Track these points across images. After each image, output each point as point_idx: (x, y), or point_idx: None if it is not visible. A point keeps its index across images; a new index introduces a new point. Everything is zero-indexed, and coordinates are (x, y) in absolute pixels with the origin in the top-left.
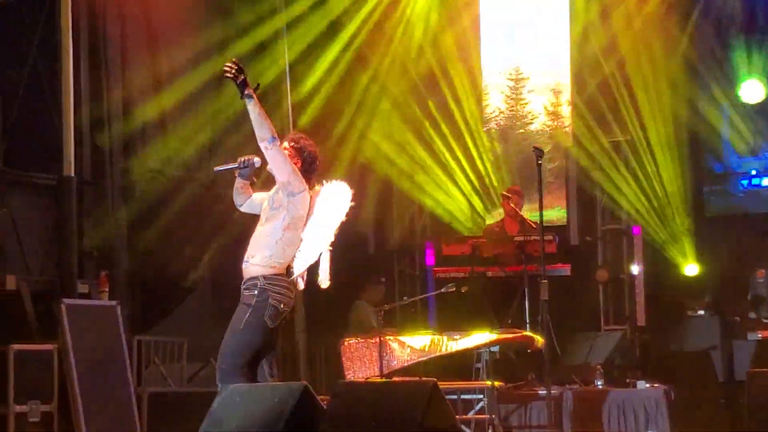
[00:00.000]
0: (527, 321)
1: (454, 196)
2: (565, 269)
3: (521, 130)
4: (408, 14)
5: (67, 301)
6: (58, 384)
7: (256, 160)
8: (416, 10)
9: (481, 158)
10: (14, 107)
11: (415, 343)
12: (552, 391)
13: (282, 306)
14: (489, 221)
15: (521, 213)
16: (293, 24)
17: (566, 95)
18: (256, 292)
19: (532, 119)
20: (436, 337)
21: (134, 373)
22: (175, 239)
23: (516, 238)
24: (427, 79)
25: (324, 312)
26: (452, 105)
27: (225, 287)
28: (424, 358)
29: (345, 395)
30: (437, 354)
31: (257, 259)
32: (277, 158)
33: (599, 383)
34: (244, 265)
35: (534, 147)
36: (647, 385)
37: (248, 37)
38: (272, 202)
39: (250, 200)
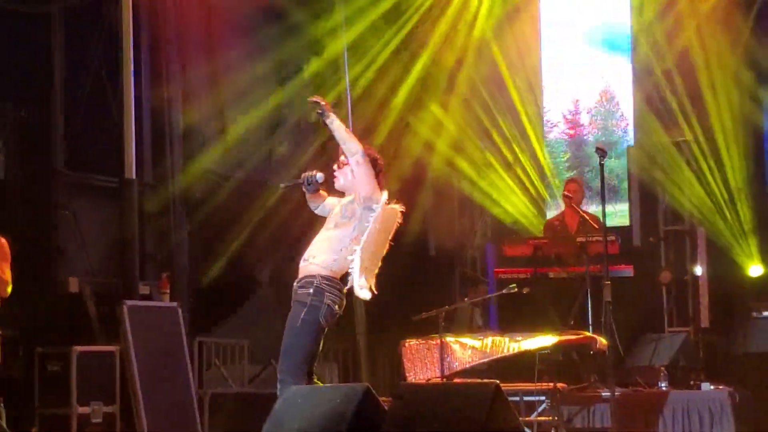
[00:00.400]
0: (590, 322)
1: (514, 197)
2: (628, 270)
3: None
4: (469, 11)
5: (128, 302)
6: (120, 385)
7: (319, 175)
8: (477, 8)
9: (542, 157)
10: (77, 111)
11: (477, 345)
12: (615, 393)
13: (336, 307)
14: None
15: (580, 207)
16: (349, 21)
17: (626, 94)
18: (311, 290)
19: (551, 127)
20: (498, 339)
21: (195, 375)
22: (236, 241)
23: (578, 239)
24: (487, 77)
25: (384, 314)
26: (516, 104)
27: (287, 289)
28: (486, 360)
29: (407, 397)
30: (499, 355)
31: (319, 260)
32: (367, 172)
33: (663, 385)
34: (302, 264)
35: (597, 147)
36: (712, 387)
37: (303, 36)
38: (344, 211)
39: (323, 205)
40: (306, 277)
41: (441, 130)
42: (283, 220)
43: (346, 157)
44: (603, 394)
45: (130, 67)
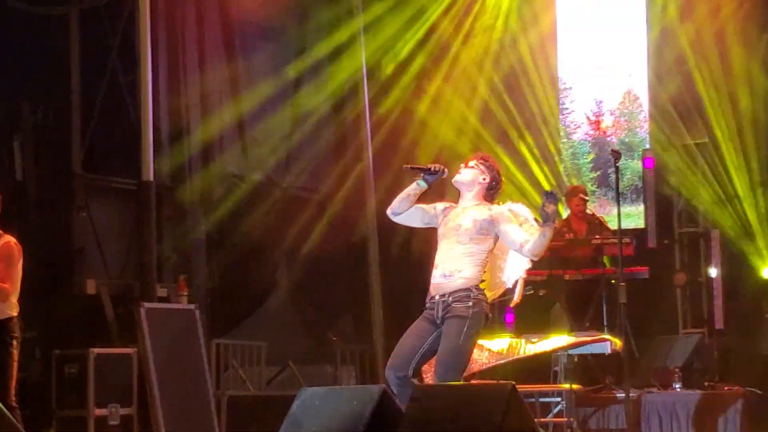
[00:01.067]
0: (605, 324)
1: (531, 199)
2: (643, 272)
3: (564, 140)
4: (488, 13)
5: (146, 304)
6: (137, 387)
7: (446, 171)
8: (495, 11)
9: (561, 161)
10: (94, 112)
11: (493, 347)
12: (630, 395)
13: (489, 316)
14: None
15: (587, 211)
16: (371, 24)
17: (642, 98)
18: (470, 303)
19: (575, 129)
20: (514, 341)
21: (213, 377)
22: (254, 244)
23: (593, 241)
24: (505, 80)
25: (402, 315)
26: (532, 107)
27: (304, 292)
28: (502, 361)
29: (423, 398)
30: (515, 357)
31: (467, 274)
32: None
33: (678, 386)
34: (444, 280)
35: (611, 150)
36: (726, 388)
37: (326, 40)
38: (480, 228)
39: (409, 212)
40: (460, 290)
41: (460, 132)
42: (301, 223)
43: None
44: (618, 395)
45: (148, 68)
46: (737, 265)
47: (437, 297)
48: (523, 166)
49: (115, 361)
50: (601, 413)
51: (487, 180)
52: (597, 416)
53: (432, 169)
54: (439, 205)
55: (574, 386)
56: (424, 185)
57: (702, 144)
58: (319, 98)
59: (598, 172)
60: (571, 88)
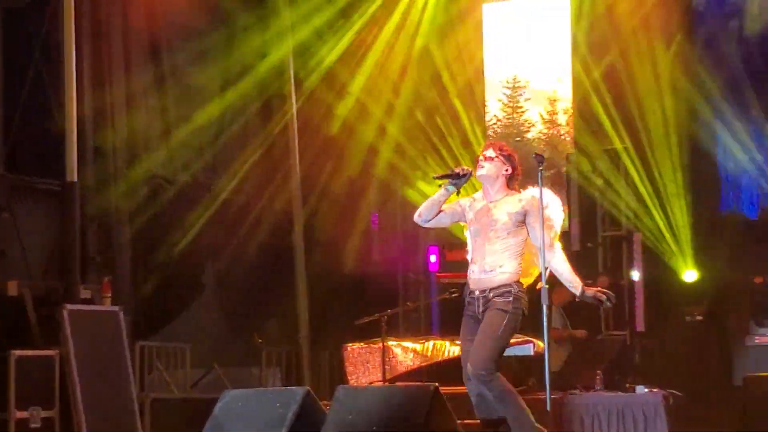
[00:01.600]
0: (529, 326)
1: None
2: None
3: (518, 138)
4: (412, 19)
5: (69, 306)
6: (59, 390)
7: (472, 172)
8: (420, 15)
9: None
10: (17, 112)
11: (419, 348)
12: (553, 396)
13: (526, 313)
14: None
15: None
16: (296, 25)
17: (564, 102)
18: (511, 299)
19: (529, 127)
20: (439, 342)
21: (137, 379)
22: (179, 245)
23: None
24: (430, 84)
25: (328, 318)
26: (458, 110)
27: (230, 294)
28: (427, 363)
29: (346, 400)
30: (440, 359)
31: (508, 268)
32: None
33: (599, 388)
34: (487, 275)
35: (535, 154)
36: (646, 390)
37: (251, 39)
38: (515, 220)
39: (438, 217)
40: (502, 286)
41: (385, 135)
42: (228, 224)
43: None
44: (541, 397)
45: (72, 68)
46: (659, 268)
47: (477, 292)
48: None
49: (37, 363)
50: None
51: (510, 170)
52: None
53: (459, 173)
54: (463, 201)
55: None
56: (453, 189)
57: (624, 149)
58: (246, 100)
59: (552, 171)
60: (494, 94)
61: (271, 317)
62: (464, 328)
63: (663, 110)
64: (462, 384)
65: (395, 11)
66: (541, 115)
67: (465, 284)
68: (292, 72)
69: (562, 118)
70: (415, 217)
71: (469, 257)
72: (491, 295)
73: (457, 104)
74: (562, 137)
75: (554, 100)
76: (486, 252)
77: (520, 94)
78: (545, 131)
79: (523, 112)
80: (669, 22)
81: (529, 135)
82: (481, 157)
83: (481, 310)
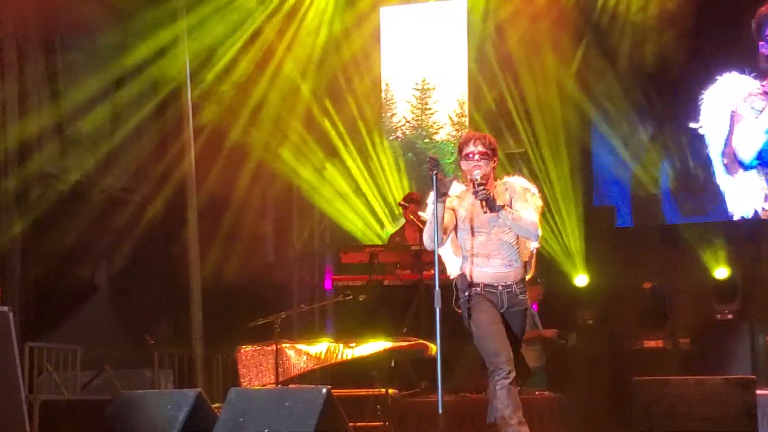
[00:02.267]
0: (423, 329)
1: (355, 205)
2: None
3: (426, 140)
4: (311, 21)
5: None
6: None
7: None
8: (319, 18)
9: (382, 168)
10: None
11: (312, 351)
12: (445, 399)
13: None
14: (392, 230)
15: (419, 221)
16: (195, 27)
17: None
18: (527, 295)
19: (437, 129)
20: (333, 345)
21: (26, 381)
22: (72, 245)
23: (413, 247)
24: (329, 86)
25: (222, 320)
26: (355, 114)
27: (123, 295)
28: (320, 366)
29: (238, 402)
30: (334, 361)
31: (521, 262)
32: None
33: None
34: (509, 269)
35: (430, 157)
36: (537, 393)
37: (149, 40)
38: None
39: (448, 230)
40: (521, 280)
41: (283, 138)
42: (121, 225)
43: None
44: (434, 399)
45: None
46: (551, 273)
47: (500, 287)
48: (347, 172)
49: None
50: (418, 418)
51: (496, 162)
52: (413, 420)
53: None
54: (449, 203)
55: (391, 391)
56: (441, 201)
57: (517, 153)
58: (141, 99)
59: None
60: (391, 96)
61: (165, 319)
62: (488, 313)
63: (556, 118)
64: (354, 387)
65: (296, 14)
66: (450, 117)
67: (461, 278)
68: (188, 72)
69: (468, 122)
70: (427, 245)
71: (464, 254)
72: (517, 290)
73: (353, 106)
74: None
75: (463, 103)
76: (501, 247)
77: (429, 96)
78: (454, 133)
79: (432, 114)
80: (565, 29)
81: (437, 137)
82: (473, 154)
83: (506, 304)
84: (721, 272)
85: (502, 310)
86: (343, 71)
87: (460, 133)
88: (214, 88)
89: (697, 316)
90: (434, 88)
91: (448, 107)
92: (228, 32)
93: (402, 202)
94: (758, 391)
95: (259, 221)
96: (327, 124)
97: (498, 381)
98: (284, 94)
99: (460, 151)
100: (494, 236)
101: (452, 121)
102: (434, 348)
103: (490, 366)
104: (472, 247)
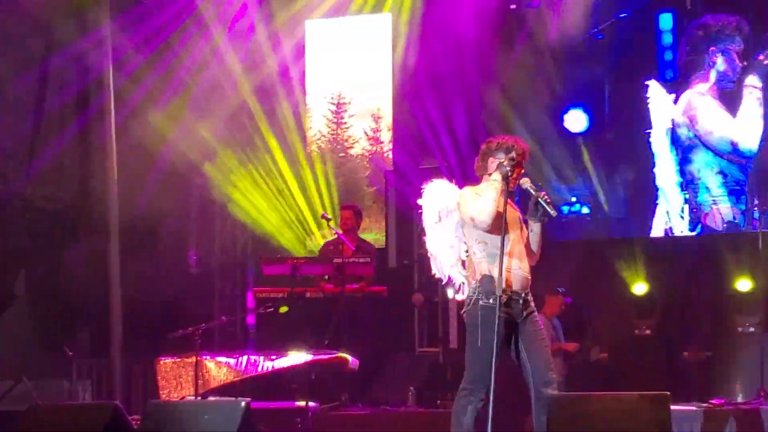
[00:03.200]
0: (344, 343)
1: (277, 216)
2: (382, 292)
3: (342, 154)
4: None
5: None
6: None
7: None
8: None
9: (303, 180)
10: None
11: (232, 363)
12: (365, 412)
13: None
14: (313, 241)
15: (356, 232)
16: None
17: (387, 120)
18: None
19: (353, 143)
20: (253, 357)
21: None
22: None
23: (335, 260)
24: (256, 97)
25: (142, 331)
26: (280, 126)
27: (41, 304)
28: (240, 378)
29: (157, 415)
30: (254, 374)
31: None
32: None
33: (412, 404)
34: (518, 272)
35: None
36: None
37: (70, 49)
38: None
39: None
40: (529, 288)
41: (204, 146)
42: (38, 230)
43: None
44: (354, 412)
45: None
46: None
47: (523, 294)
48: (271, 183)
49: None
50: (337, 431)
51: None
52: None
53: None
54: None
55: (311, 403)
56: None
57: (444, 167)
58: (65, 110)
59: (375, 188)
60: (314, 108)
61: (84, 329)
62: (498, 335)
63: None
64: (274, 399)
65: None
66: (366, 132)
67: (487, 279)
68: (111, 84)
69: (386, 135)
70: (487, 220)
71: (490, 250)
72: (529, 296)
73: (280, 116)
74: (385, 154)
75: (379, 117)
76: (521, 250)
77: (345, 110)
78: (369, 148)
79: (347, 128)
80: (490, 43)
81: (352, 151)
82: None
83: (524, 314)
84: (640, 288)
85: (519, 320)
86: (270, 83)
87: (374, 148)
88: (135, 98)
89: (615, 332)
90: (350, 102)
91: (365, 122)
92: (151, 37)
93: (346, 212)
94: (673, 407)
95: (182, 232)
96: (252, 135)
97: (472, 404)
98: (208, 101)
99: (519, 155)
100: (523, 237)
101: (367, 135)
102: (350, 361)
103: (473, 383)
104: (505, 246)
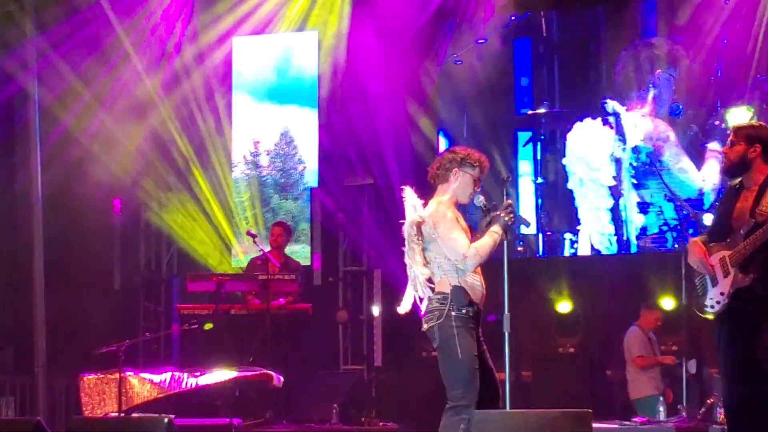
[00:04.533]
0: (269, 359)
1: (203, 232)
2: (307, 309)
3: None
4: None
5: None
6: None
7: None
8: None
9: (230, 195)
10: None
11: (156, 380)
12: (289, 429)
13: None
14: (241, 257)
15: (283, 249)
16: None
17: (313, 136)
18: None
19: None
20: (177, 374)
21: None
22: None
23: (260, 277)
24: (179, 113)
25: (66, 347)
26: (206, 141)
27: None
28: (164, 395)
29: (79, 431)
30: (178, 390)
31: None
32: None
33: (336, 422)
34: (480, 288)
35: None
36: (381, 424)
37: None
38: None
39: None
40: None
41: (129, 161)
42: None
43: None
44: (278, 430)
45: None
46: (396, 305)
47: (482, 307)
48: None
49: None
50: None
51: None
52: None
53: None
54: (463, 222)
55: (235, 420)
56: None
57: (367, 185)
58: None
59: (254, 211)
60: (237, 126)
61: (7, 345)
62: (474, 344)
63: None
64: (198, 416)
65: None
66: (245, 156)
67: (458, 290)
68: (36, 96)
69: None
70: (476, 265)
71: (463, 270)
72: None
73: (204, 133)
74: (265, 177)
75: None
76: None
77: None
78: (248, 171)
79: None
80: (418, 59)
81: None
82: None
83: (479, 327)
84: (565, 306)
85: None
86: (197, 100)
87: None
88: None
89: (539, 350)
90: (237, 126)
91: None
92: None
93: (251, 232)
94: (595, 425)
95: (106, 247)
96: (175, 151)
97: (465, 419)
98: (132, 119)
99: (482, 172)
100: None
101: (246, 159)
102: (274, 378)
103: (460, 399)
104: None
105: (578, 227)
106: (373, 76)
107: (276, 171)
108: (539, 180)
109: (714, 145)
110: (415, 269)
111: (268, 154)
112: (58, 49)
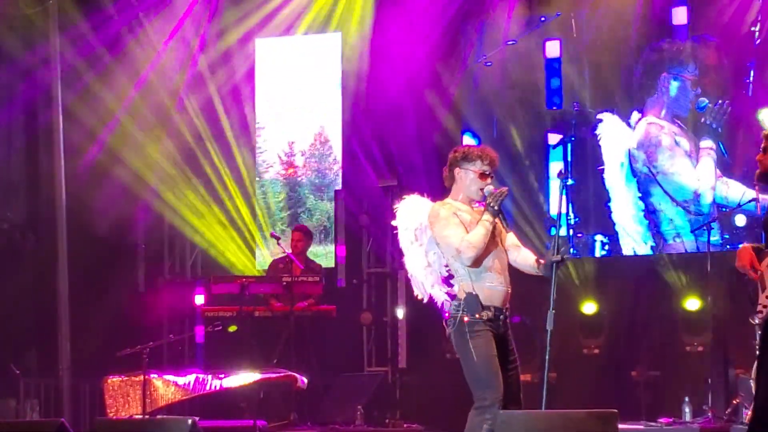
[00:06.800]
0: (293, 361)
1: (227, 234)
2: (331, 311)
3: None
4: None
5: None
6: None
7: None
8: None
9: (255, 199)
10: None
11: (180, 382)
12: (313, 431)
13: None
14: (266, 259)
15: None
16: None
17: (337, 139)
18: None
19: (267, 167)
20: (201, 376)
21: None
22: None
23: (284, 279)
24: (204, 119)
25: (91, 349)
26: (231, 145)
27: None
28: (188, 397)
29: None
30: (202, 392)
31: None
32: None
33: (360, 423)
34: (500, 288)
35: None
36: (406, 426)
37: (17, 63)
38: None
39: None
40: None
41: (152, 163)
42: None
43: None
44: (303, 431)
45: None
46: (420, 306)
47: (504, 311)
48: (219, 202)
49: None
50: None
51: None
52: None
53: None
54: (466, 217)
55: (260, 422)
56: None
57: (393, 186)
58: (11, 127)
59: (290, 212)
60: (264, 128)
61: (32, 348)
62: (492, 343)
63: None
64: (222, 418)
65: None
66: (279, 156)
67: (471, 297)
68: (60, 98)
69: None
70: (473, 257)
71: (482, 272)
72: (508, 312)
73: (230, 135)
74: (299, 178)
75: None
76: (501, 263)
77: (259, 135)
78: (283, 172)
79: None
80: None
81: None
82: (490, 171)
83: (503, 330)
84: (590, 307)
85: (500, 337)
86: (221, 101)
87: (288, 173)
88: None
89: (564, 351)
90: (264, 127)
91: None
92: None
93: (297, 233)
94: (621, 425)
95: (130, 250)
96: (200, 152)
97: (488, 419)
98: (157, 119)
99: (486, 164)
100: (503, 248)
101: (281, 160)
102: (304, 380)
103: (483, 400)
104: (487, 263)
105: (615, 227)
106: (398, 77)
107: (311, 171)
108: (570, 182)
109: (706, 143)
110: (418, 275)
111: (302, 155)
112: (80, 50)
